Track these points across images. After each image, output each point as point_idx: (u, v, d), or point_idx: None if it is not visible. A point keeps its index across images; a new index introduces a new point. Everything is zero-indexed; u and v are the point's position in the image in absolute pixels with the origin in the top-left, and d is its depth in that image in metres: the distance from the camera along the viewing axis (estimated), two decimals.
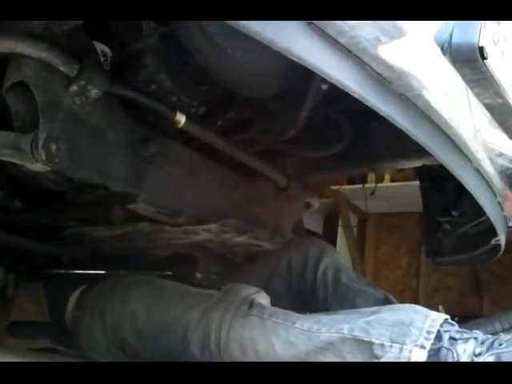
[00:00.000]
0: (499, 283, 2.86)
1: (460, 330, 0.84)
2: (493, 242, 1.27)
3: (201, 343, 0.96)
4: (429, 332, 0.81)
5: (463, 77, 0.79)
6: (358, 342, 0.84)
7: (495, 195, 1.05)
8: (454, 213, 1.37)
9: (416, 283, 3.14)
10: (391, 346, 0.81)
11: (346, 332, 0.85)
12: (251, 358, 0.91)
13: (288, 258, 1.34)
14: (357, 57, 0.65)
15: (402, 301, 1.23)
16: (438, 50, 0.76)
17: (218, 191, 1.18)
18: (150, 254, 1.53)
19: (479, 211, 1.09)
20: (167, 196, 1.06)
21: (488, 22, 0.75)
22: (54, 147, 0.80)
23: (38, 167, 0.82)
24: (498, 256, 1.35)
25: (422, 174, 1.53)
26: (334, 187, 3.01)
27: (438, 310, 0.91)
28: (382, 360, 0.81)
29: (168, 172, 1.04)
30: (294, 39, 0.59)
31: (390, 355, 0.81)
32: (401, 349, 0.80)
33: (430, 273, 3.09)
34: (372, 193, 2.44)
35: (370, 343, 0.82)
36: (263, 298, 1.03)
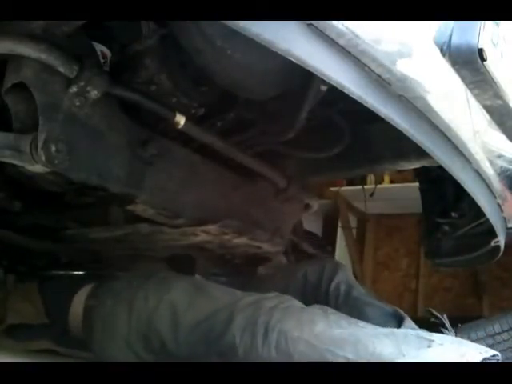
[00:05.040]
0: (499, 284, 2.86)
1: None
2: (492, 243, 1.26)
3: (245, 323, 0.96)
4: (487, 351, 0.87)
5: (462, 78, 0.79)
6: (420, 338, 0.89)
7: (494, 196, 1.05)
8: (453, 214, 1.37)
9: (415, 284, 3.14)
10: (450, 345, 0.87)
11: (411, 331, 0.92)
12: (304, 333, 0.92)
13: (304, 271, 1.41)
14: (356, 58, 0.65)
15: (401, 302, 1.23)
16: (438, 51, 0.76)
17: (217, 192, 1.18)
18: (149, 256, 1.53)
19: (478, 212, 1.09)
20: (166, 197, 1.06)
21: (487, 24, 0.75)
22: (53, 148, 0.80)
23: (37, 168, 0.82)
24: (497, 257, 1.35)
25: (421, 175, 1.53)
26: (333, 188, 3.01)
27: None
28: (435, 349, 0.86)
29: (167, 173, 1.04)
30: (293, 40, 0.59)
31: (444, 348, 0.86)
32: (458, 348, 0.86)
33: (429, 274, 3.09)
34: (371, 194, 2.43)
35: (431, 341, 0.88)
36: None
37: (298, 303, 1.03)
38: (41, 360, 1.11)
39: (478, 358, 0.83)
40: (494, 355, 0.86)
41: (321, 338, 0.91)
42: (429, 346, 0.86)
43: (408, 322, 1.18)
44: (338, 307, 1.27)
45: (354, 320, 0.98)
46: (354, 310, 1.24)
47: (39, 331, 1.24)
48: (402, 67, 0.69)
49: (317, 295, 1.34)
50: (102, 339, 1.11)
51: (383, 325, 1.13)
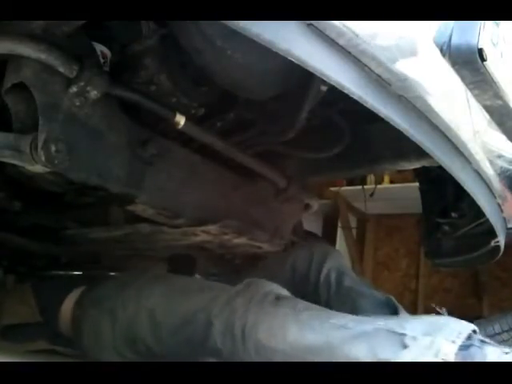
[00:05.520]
0: (499, 284, 2.86)
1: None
2: (492, 243, 1.26)
3: (223, 329, 0.96)
4: (460, 332, 0.83)
5: (462, 78, 0.79)
6: (391, 333, 0.86)
7: (494, 197, 1.05)
8: (453, 214, 1.37)
9: (415, 284, 3.14)
10: (423, 339, 0.83)
11: (381, 323, 0.88)
12: (278, 343, 0.91)
13: (292, 260, 1.37)
14: (356, 58, 0.65)
15: (401, 302, 1.23)
16: (438, 51, 0.76)
17: (217, 192, 1.18)
18: (149, 255, 1.53)
19: (478, 213, 1.09)
20: (166, 197, 1.06)
21: (487, 24, 0.75)
22: (53, 148, 0.80)
23: (37, 168, 0.82)
24: (497, 257, 1.35)
25: (421, 175, 1.53)
26: (333, 188, 3.01)
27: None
28: (410, 349, 0.83)
29: (167, 173, 1.04)
30: (293, 40, 0.59)
31: (419, 346, 0.83)
32: (432, 342, 0.82)
33: (429, 274, 3.09)
34: (371, 194, 2.43)
35: (403, 335, 0.85)
36: (286, 292, 1.03)
37: (272, 291, 1.00)
38: (39, 360, 1.11)
39: (452, 350, 0.80)
40: (468, 337, 0.83)
41: (296, 348, 0.89)
42: (404, 347, 0.83)
43: (402, 311, 1.18)
44: (329, 299, 1.26)
45: (325, 316, 0.93)
46: (347, 301, 1.22)
47: (36, 331, 1.24)
48: (402, 67, 0.69)
49: (306, 286, 1.31)
50: (92, 346, 1.12)
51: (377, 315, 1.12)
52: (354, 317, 0.93)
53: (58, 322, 1.20)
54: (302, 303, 0.96)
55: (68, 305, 1.19)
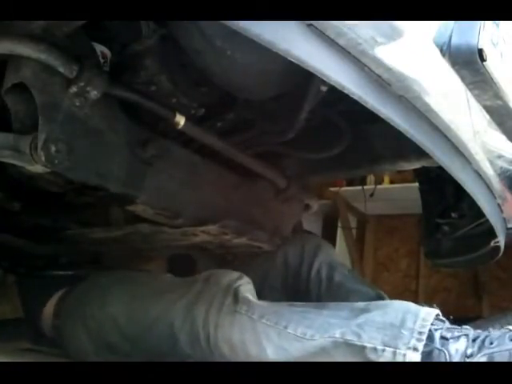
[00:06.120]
0: (499, 285, 2.86)
1: (450, 326, 0.85)
2: (492, 243, 1.26)
3: (190, 340, 0.96)
4: (420, 333, 0.81)
5: (462, 79, 0.79)
6: (350, 345, 0.84)
7: (494, 197, 1.05)
8: (453, 214, 1.37)
9: (415, 285, 3.14)
10: (384, 350, 0.81)
11: (338, 336, 0.85)
12: (242, 359, 0.91)
13: (284, 255, 1.36)
14: (356, 58, 0.65)
15: None
16: (438, 51, 0.76)
17: (217, 193, 1.18)
18: (149, 256, 1.52)
19: (478, 213, 1.09)
20: (166, 197, 1.06)
21: (487, 24, 0.75)
22: (53, 148, 0.80)
23: (37, 168, 0.82)
24: (497, 258, 1.35)
25: (421, 175, 1.53)
26: (333, 189, 3.01)
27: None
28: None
29: (167, 173, 1.04)
30: (293, 41, 0.59)
31: (383, 359, 0.81)
32: (394, 353, 0.80)
33: (429, 274, 3.09)
34: (371, 194, 2.44)
35: (362, 347, 0.82)
36: (246, 285, 1.02)
37: (231, 285, 0.99)
38: (25, 359, 1.11)
39: (415, 359, 0.79)
40: (429, 335, 0.80)
41: (254, 359, 0.89)
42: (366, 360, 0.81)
43: None
44: (320, 295, 1.25)
45: (282, 324, 0.90)
46: (337, 297, 1.21)
47: (19, 332, 1.24)
48: (402, 67, 0.69)
49: (298, 282, 1.30)
50: (76, 351, 1.13)
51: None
52: (311, 319, 0.90)
53: (41, 323, 1.20)
54: (258, 308, 0.95)
55: (49, 309, 1.19)
